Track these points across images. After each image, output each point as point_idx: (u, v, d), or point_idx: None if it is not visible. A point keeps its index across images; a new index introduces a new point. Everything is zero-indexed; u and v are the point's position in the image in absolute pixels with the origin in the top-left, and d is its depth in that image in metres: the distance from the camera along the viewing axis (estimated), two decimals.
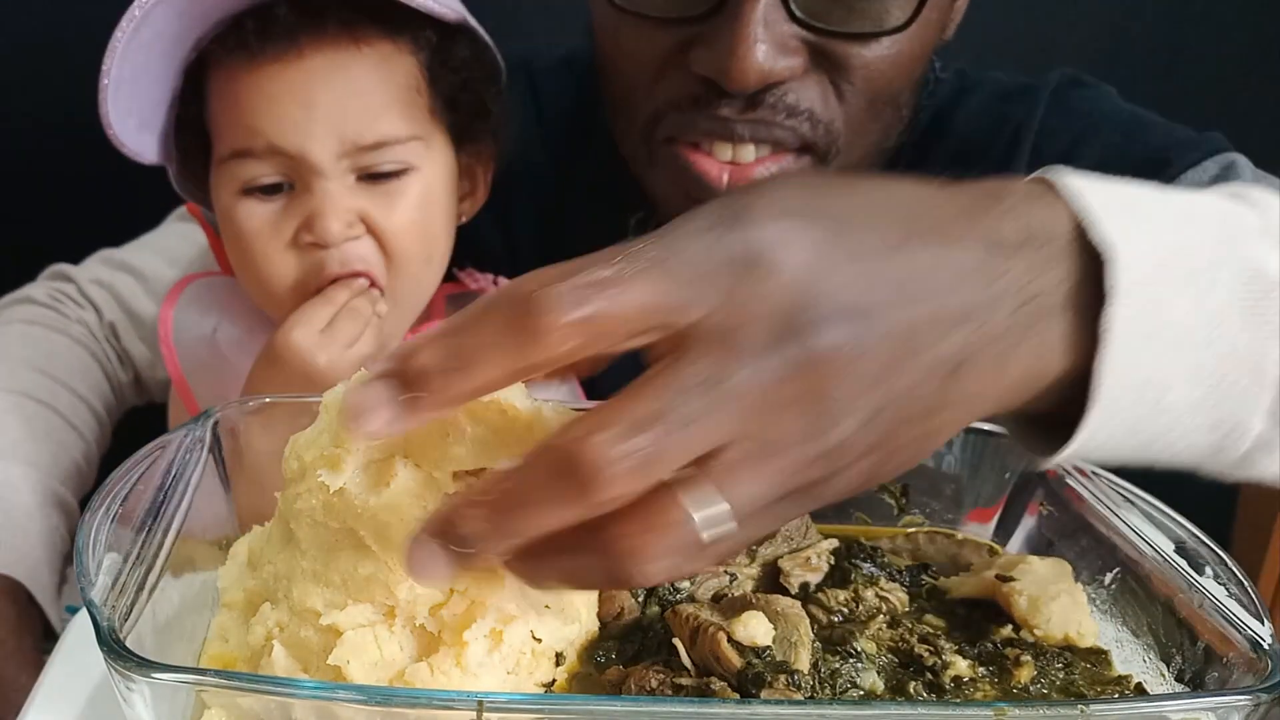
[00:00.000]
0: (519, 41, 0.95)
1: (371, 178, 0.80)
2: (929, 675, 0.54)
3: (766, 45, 0.73)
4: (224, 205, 0.82)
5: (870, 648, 0.55)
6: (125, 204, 1.08)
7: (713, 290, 0.40)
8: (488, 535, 0.40)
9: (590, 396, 0.91)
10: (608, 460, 0.38)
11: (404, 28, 0.81)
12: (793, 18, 0.74)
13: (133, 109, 0.80)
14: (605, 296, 0.39)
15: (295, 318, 0.79)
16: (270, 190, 0.80)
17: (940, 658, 0.54)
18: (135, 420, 1.06)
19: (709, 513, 0.40)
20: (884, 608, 0.59)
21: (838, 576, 0.62)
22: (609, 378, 0.94)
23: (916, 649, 0.55)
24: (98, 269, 1.07)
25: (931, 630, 0.58)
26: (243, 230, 0.81)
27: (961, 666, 0.54)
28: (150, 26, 0.75)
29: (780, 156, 0.80)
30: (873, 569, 0.62)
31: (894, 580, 0.62)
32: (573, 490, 0.38)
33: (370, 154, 0.79)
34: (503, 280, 0.96)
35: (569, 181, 0.97)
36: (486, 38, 0.86)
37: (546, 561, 0.42)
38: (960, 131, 0.92)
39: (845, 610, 0.59)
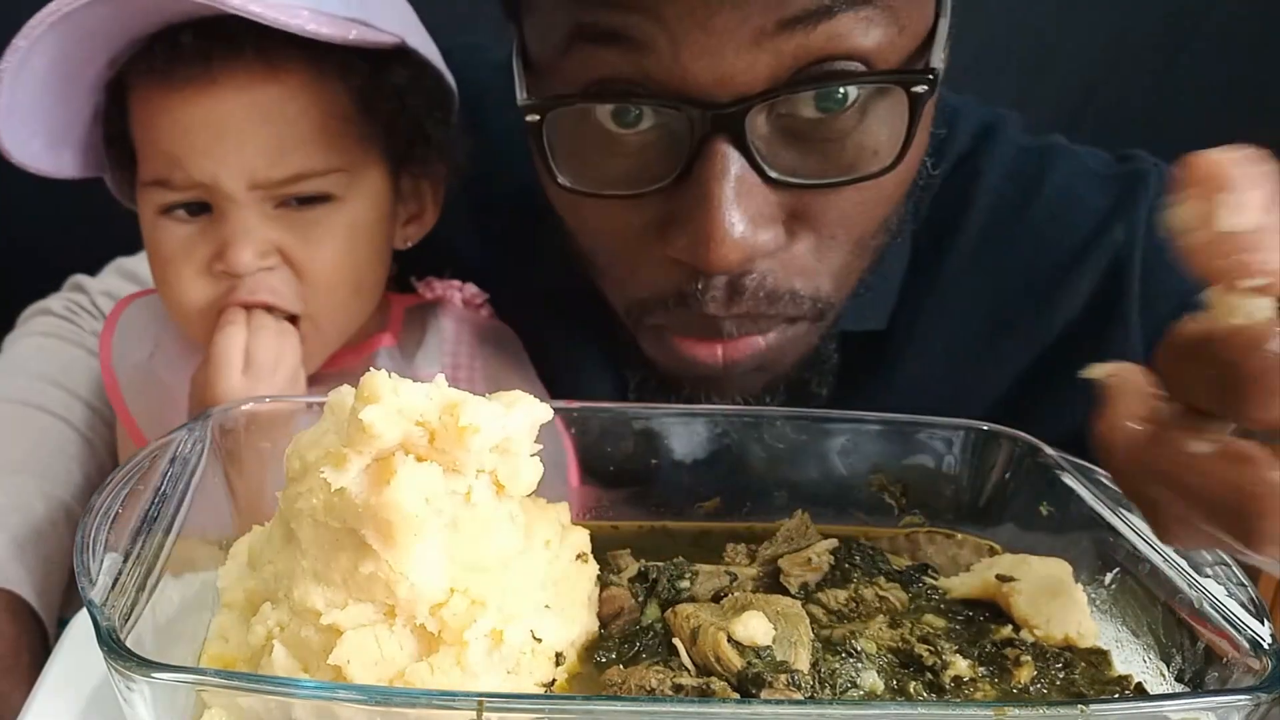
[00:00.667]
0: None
1: (292, 205, 0.79)
2: (929, 675, 0.54)
3: (744, 222, 0.65)
4: (146, 223, 0.81)
5: (870, 648, 0.55)
6: None
7: None
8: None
9: (556, 395, 0.91)
10: None
11: (329, 55, 0.77)
12: (767, 180, 0.66)
13: (38, 130, 0.79)
14: None
15: (213, 369, 0.76)
16: (192, 210, 0.79)
17: (940, 658, 0.54)
18: None
19: None
20: (884, 607, 0.59)
21: (837, 576, 0.62)
22: (575, 377, 0.93)
23: (917, 649, 0.55)
24: (110, 280, 1.07)
25: (931, 630, 0.58)
26: (159, 251, 0.80)
27: (961, 666, 0.54)
28: (42, 55, 0.74)
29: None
30: (872, 569, 0.62)
31: (893, 581, 0.62)
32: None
33: (285, 186, 0.77)
34: (470, 288, 0.94)
35: (544, 192, 0.94)
36: (430, 58, 0.83)
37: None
38: (1039, 218, 0.84)
39: (844, 610, 0.59)
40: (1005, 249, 0.84)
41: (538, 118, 0.69)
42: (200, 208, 0.79)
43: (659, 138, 0.68)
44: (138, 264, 1.08)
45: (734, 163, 0.65)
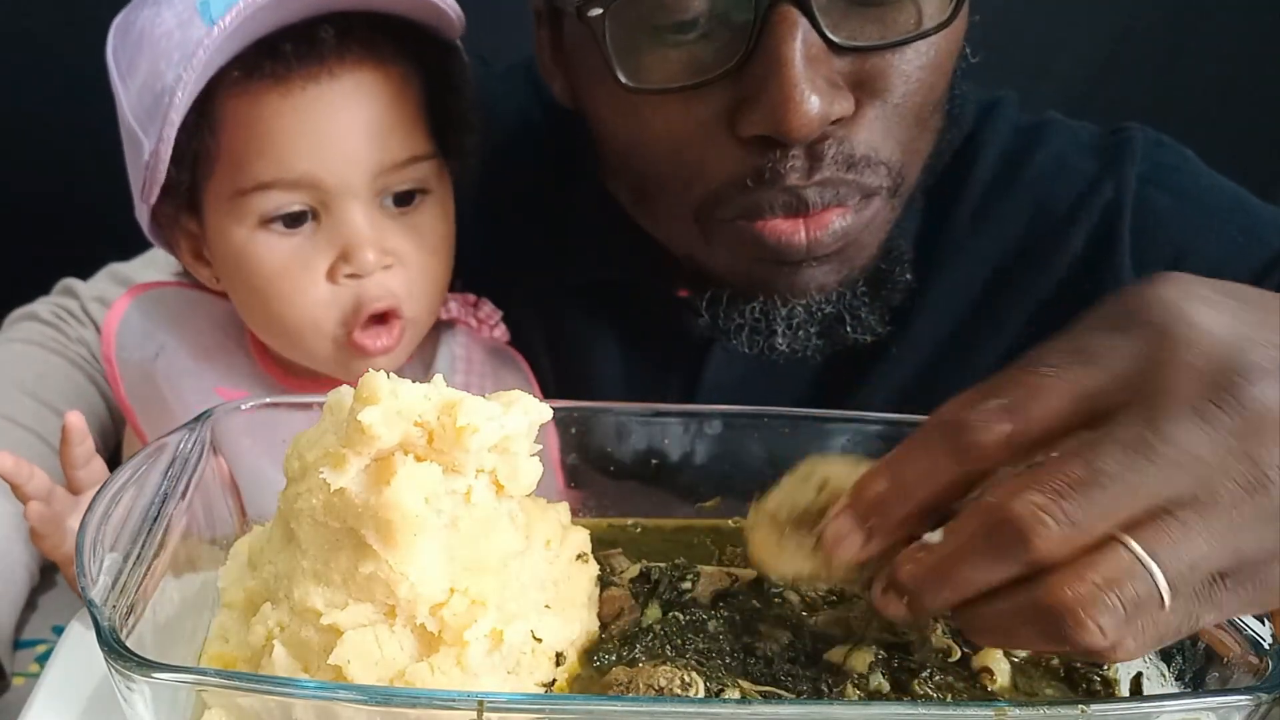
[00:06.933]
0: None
1: (394, 206, 0.79)
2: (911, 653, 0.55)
3: (818, 84, 0.68)
4: (237, 241, 0.78)
5: (860, 665, 0.55)
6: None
7: (1132, 367, 0.44)
8: (928, 588, 0.46)
9: (553, 391, 0.91)
10: (1041, 519, 0.43)
11: (412, 47, 0.79)
12: (832, 45, 0.68)
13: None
14: (1032, 403, 0.45)
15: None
16: (292, 221, 0.77)
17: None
18: None
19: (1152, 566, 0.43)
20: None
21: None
22: (587, 379, 0.93)
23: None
24: (103, 285, 1.05)
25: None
26: (264, 266, 0.78)
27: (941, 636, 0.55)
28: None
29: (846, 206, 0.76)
30: None
31: None
32: (1007, 546, 0.43)
33: (399, 172, 0.78)
34: (486, 306, 0.94)
35: (565, 189, 0.94)
36: (464, 55, 0.84)
37: (983, 612, 0.46)
38: (1033, 183, 0.87)
39: (822, 600, 0.59)
40: (1002, 214, 0.87)
41: (600, 11, 0.70)
42: (296, 219, 0.77)
43: (720, 21, 0.70)
44: (133, 270, 1.05)
45: (802, 27, 0.67)
